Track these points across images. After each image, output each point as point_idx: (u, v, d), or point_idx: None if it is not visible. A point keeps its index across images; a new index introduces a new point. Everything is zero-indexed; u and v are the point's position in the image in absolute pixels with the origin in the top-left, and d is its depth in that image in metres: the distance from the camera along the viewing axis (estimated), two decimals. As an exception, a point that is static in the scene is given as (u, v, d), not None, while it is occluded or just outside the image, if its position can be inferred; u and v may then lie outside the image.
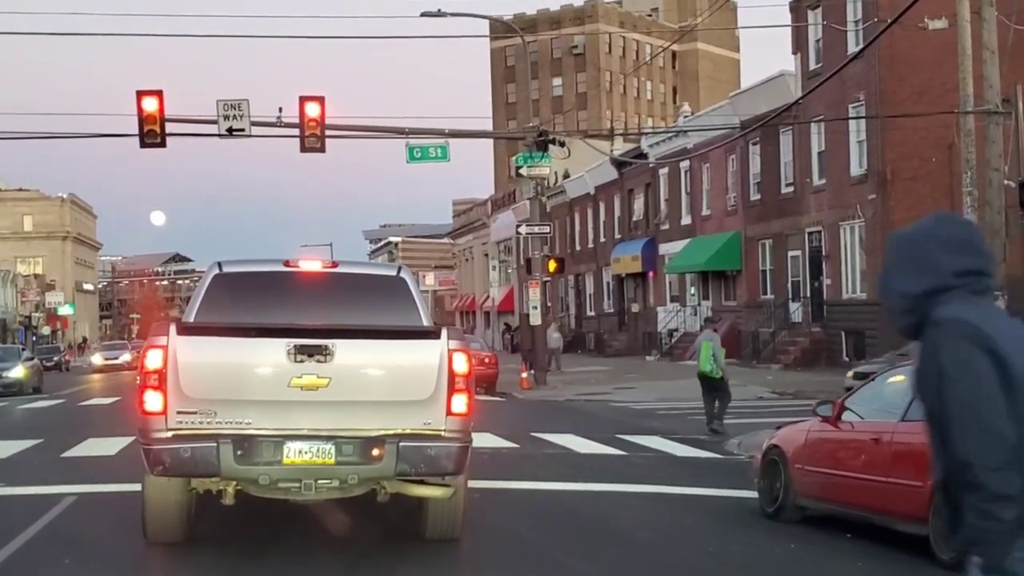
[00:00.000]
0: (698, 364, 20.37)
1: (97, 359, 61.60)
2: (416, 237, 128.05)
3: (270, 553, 9.49)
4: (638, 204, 54.88)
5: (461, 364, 8.78)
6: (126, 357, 58.61)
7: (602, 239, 59.52)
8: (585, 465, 15.48)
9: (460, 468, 8.84)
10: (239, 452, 8.45)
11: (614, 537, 10.33)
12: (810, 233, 38.29)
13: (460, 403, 8.75)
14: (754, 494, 12.03)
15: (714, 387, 20.29)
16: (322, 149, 28.07)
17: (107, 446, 17.37)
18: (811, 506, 10.78)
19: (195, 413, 8.49)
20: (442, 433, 8.70)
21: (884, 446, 9.53)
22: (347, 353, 8.62)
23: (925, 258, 3.50)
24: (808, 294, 38.66)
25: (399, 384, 8.81)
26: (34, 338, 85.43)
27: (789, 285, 40.04)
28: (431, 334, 8.97)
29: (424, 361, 8.76)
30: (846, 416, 10.41)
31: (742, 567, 9.35)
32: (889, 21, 24.34)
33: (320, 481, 8.73)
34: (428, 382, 8.71)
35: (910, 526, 9.19)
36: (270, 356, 8.59)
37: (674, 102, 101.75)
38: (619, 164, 54.25)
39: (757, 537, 10.36)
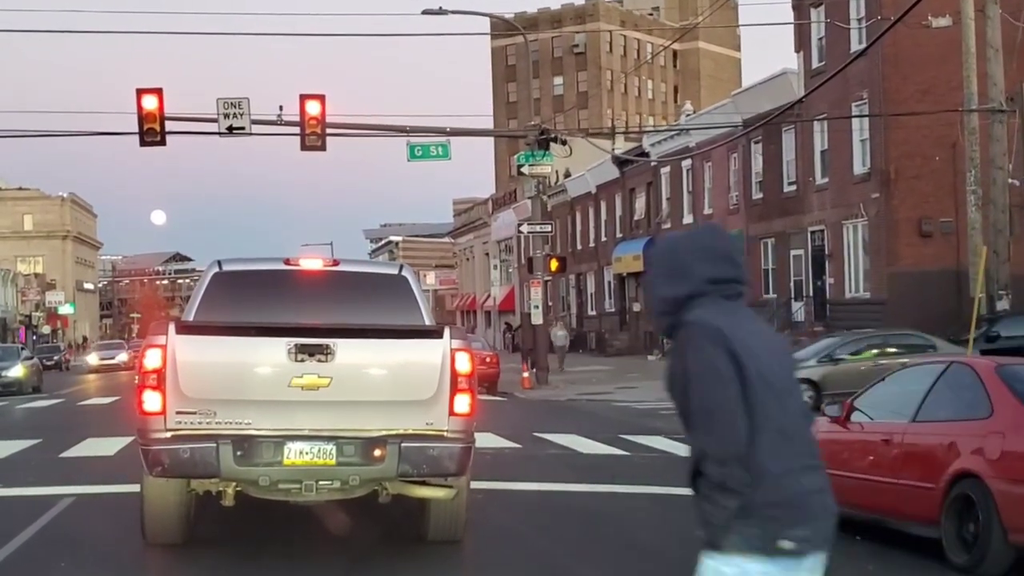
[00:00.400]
0: None
1: (92, 359, 60.08)
2: (417, 236, 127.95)
3: (270, 555, 9.37)
4: (639, 203, 54.75)
5: (464, 364, 8.64)
6: (122, 357, 58.10)
7: (603, 238, 59.39)
8: (589, 466, 15.36)
9: (463, 469, 8.71)
10: (239, 453, 8.32)
11: (620, 539, 10.19)
12: (813, 232, 38.16)
13: (463, 403, 8.62)
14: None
15: None
16: (323, 147, 27.96)
17: (106, 446, 17.25)
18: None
19: (194, 413, 8.36)
20: (444, 433, 8.57)
21: (895, 447, 9.39)
22: (348, 353, 8.49)
23: (683, 266, 3.75)
24: (811, 293, 38.54)
25: (401, 384, 8.67)
26: (34, 337, 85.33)
27: (791, 284, 39.92)
28: (433, 333, 8.84)
29: (426, 361, 8.62)
30: (855, 416, 10.24)
31: (750, 570, 9.20)
32: (893, 19, 24.24)
33: (321, 482, 8.60)
34: (430, 382, 8.58)
35: (922, 528, 9.06)
36: (270, 355, 8.46)
37: (675, 101, 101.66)
38: (620, 163, 54.10)
39: (765, 539, 10.21)
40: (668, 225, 50.68)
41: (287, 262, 9.58)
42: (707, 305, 3.70)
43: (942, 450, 8.85)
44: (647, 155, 51.71)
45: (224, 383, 8.49)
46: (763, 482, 3.54)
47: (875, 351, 24.71)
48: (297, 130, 27.83)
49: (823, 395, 24.12)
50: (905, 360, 23.86)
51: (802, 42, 38.26)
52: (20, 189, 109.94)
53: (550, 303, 47.97)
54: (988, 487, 8.26)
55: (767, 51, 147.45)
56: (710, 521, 3.58)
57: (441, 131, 31.84)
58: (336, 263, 9.92)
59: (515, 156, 43.00)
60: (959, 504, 8.57)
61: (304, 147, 27.78)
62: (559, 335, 42.68)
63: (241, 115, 27.11)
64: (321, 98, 27.66)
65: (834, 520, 3.68)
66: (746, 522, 3.53)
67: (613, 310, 58.62)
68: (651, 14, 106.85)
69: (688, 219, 48.71)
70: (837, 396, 23.75)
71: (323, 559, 9.23)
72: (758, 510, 3.53)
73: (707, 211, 47.00)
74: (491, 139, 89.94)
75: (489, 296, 74.47)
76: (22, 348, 47.60)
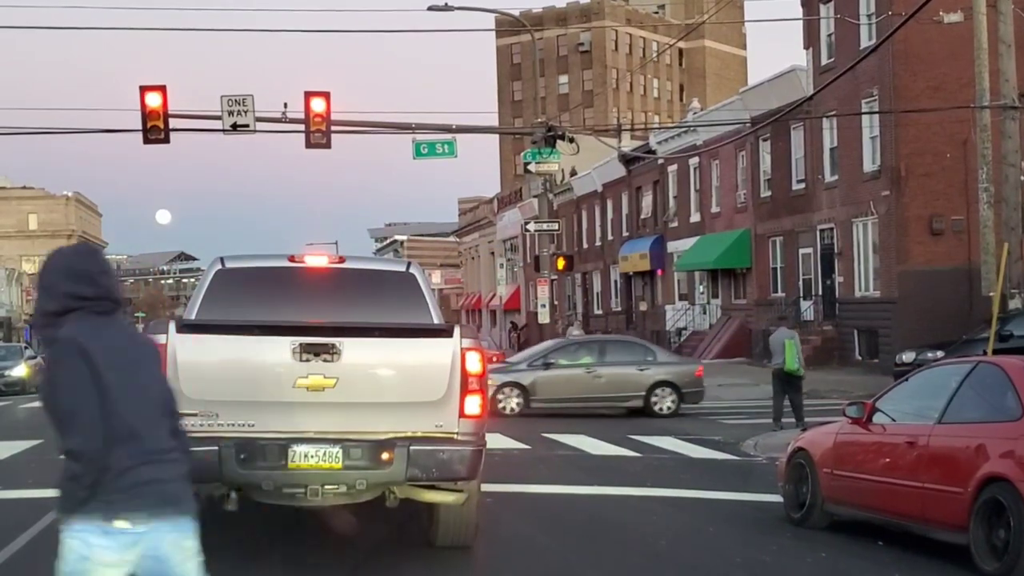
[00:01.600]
0: (783, 362, 20.43)
1: None
2: (422, 235, 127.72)
3: (274, 561, 9.12)
4: (646, 201, 54.46)
5: (474, 364, 8.36)
6: None
7: (610, 237, 59.11)
8: (599, 467, 15.13)
9: (474, 473, 8.42)
10: (242, 456, 8.05)
11: (635, 545, 9.91)
12: (822, 230, 37.87)
13: (473, 404, 8.34)
14: (774, 498, 11.64)
15: (793, 384, 20.55)
16: (327, 145, 27.65)
17: (108, 447, 16.97)
18: (841, 512, 10.34)
19: (195, 415, 8.07)
20: (455, 436, 8.30)
21: (920, 449, 9.09)
22: (355, 352, 8.21)
23: (53, 285, 4.28)
24: (820, 292, 38.25)
25: (409, 385, 8.39)
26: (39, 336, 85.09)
27: (800, 283, 39.63)
28: (443, 332, 8.55)
29: (436, 360, 8.34)
30: (877, 418, 9.96)
31: (772, 577, 8.92)
32: (904, 15, 23.91)
33: (327, 486, 8.31)
34: (440, 382, 8.30)
35: (948, 534, 8.75)
36: (274, 355, 8.18)
37: (680, 100, 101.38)
38: (627, 161, 53.83)
39: (785, 544, 9.92)
40: (675, 224, 50.44)
41: (292, 259, 9.32)
42: (76, 321, 4.21)
43: (970, 453, 8.55)
44: (654, 153, 51.42)
45: (226, 384, 8.22)
46: (108, 474, 4.12)
47: (590, 358, 24.41)
48: (302, 127, 27.54)
49: (531, 401, 23.72)
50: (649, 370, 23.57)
51: (811, 39, 37.95)
52: (25, 188, 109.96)
53: (556, 302, 47.78)
54: (1019, 492, 7.95)
55: (772, 50, 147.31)
56: (64, 505, 4.14)
57: (447, 129, 31.55)
58: (342, 260, 9.64)
59: (521, 154, 42.79)
60: (988, 509, 8.26)
61: (309, 145, 27.49)
62: (575, 335, 42.49)
63: (245, 112, 26.86)
64: (326, 95, 27.36)
65: (169, 505, 4.24)
66: (93, 504, 4.12)
67: (619, 309, 58.34)
68: (657, 12, 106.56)
69: (696, 217, 48.42)
70: (547, 402, 23.50)
71: (328, 565, 8.98)
72: (102, 495, 4.12)
73: (715, 209, 46.70)
74: (496, 138, 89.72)
75: (495, 295, 74.23)
76: (25, 347, 47.38)
